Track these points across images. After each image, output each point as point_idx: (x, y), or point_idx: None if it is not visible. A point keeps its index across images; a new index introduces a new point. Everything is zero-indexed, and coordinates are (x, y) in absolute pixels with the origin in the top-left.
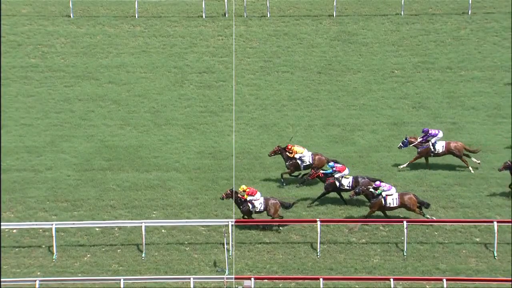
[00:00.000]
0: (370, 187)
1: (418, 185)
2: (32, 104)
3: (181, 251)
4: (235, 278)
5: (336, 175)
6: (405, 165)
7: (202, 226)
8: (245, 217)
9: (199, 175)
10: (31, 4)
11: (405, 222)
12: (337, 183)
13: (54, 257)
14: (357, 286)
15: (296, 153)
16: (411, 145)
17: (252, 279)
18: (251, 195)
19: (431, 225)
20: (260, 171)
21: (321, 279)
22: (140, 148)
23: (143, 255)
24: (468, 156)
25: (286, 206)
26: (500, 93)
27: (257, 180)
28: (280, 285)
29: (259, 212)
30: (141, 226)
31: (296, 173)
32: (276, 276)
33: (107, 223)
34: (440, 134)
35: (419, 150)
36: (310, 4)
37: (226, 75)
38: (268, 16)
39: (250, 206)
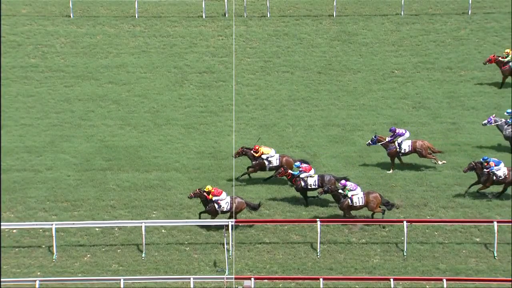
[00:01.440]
0: (339, 188)
1: (418, 185)
2: (32, 104)
3: (181, 251)
4: (235, 278)
5: (302, 175)
6: (391, 171)
7: (202, 226)
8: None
9: (199, 175)
10: (31, 4)
11: (405, 222)
12: (303, 183)
13: (54, 257)
14: (357, 286)
15: (263, 154)
16: (379, 144)
17: (252, 279)
18: (216, 195)
19: (431, 225)
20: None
21: (321, 279)
22: (140, 148)
23: (143, 255)
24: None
25: (253, 207)
26: (500, 93)
27: (257, 180)
28: (280, 285)
29: (226, 212)
30: (141, 226)
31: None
32: (276, 276)
33: (107, 223)
34: (407, 134)
35: (388, 151)
36: (310, 4)
37: (226, 75)
38: (268, 16)
39: (216, 206)
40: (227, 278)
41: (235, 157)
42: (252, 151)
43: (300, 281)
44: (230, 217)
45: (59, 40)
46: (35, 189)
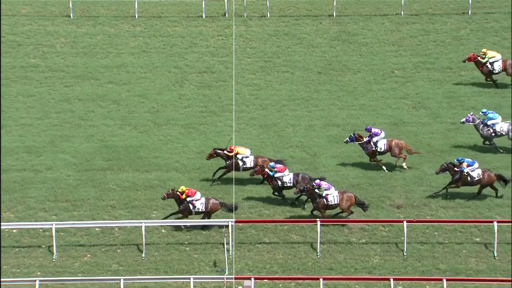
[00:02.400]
0: (315, 188)
1: (418, 185)
2: (32, 104)
3: (181, 251)
4: (235, 278)
5: (276, 175)
6: (385, 170)
7: (202, 226)
8: (183, 217)
9: (199, 175)
10: (31, 4)
11: (405, 222)
12: (279, 182)
13: (54, 257)
14: (357, 286)
15: (238, 153)
16: (357, 142)
17: (252, 279)
18: (190, 195)
19: (431, 225)
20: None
21: (321, 279)
22: (140, 148)
23: (143, 255)
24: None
25: (229, 208)
26: (500, 93)
27: (257, 180)
28: (280, 285)
29: (200, 212)
30: (141, 226)
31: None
32: (276, 276)
33: (107, 223)
34: (382, 134)
35: (365, 151)
36: (310, 4)
37: (226, 75)
38: (268, 16)
39: (191, 206)
40: (227, 278)
41: (207, 159)
42: (225, 152)
43: (300, 281)
44: (204, 218)
45: (59, 40)
46: (35, 189)
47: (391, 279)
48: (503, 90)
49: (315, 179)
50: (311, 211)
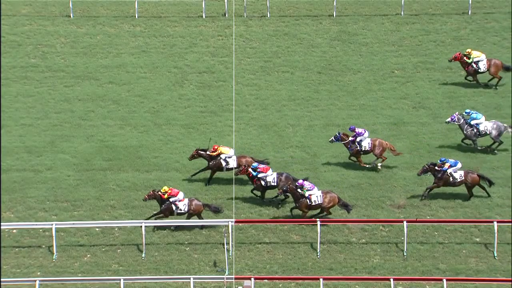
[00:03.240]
0: (298, 188)
1: (418, 185)
2: (32, 104)
3: (181, 251)
4: (235, 278)
5: (260, 175)
6: (369, 165)
7: (202, 226)
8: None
9: (198, 175)
10: (31, 4)
11: (405, 222)
12: (263, 182)
13: (54, 257)
14: (357, 286)
15: (221, 153)
16: (341, 142)
17: (252, 279)
18: (173, 195)
19: (431, 225)
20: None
21: (321, 279)
22: (140, 148)
23: (143, 255)
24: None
25: (213, 209)
26: (500, 93)
27: None
28: (280, 285)
29: (183, 213)
30: (141, 226)
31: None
32: (276, 276)
33: (107, 223)
34: (366, 134)
35: (350, 151)
36: (310, 4)
37: (226, 75)
38: (268, 16)
39: (174, 206)
40: (227, 278)
41: (190, 159)
42: (207, 152)
43: (300, 281)
44: (188, 219)
45: (59, 40)
46: (35, 189)
47: (391, 279)
48: (503, 90)
49: (297, 179)
50: (291, 210)
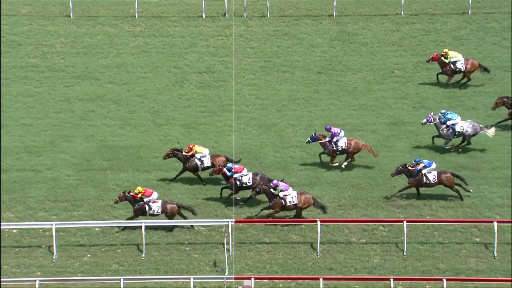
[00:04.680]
0: (270, 187)
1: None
2: (32, 104)
3: (181, 251)
4: (235, 278)
5: (236, 175)
6: (337, 164)
7: (202, 226)
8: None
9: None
10: (31, 4)
11: (405, 222)
12: (238, 182)
13: (54, 257)
14: (357, 286)
15: (196, 153)
16: (317, 142)
17: (252, 279)
18: (147, 195)
19: (431, 225)
20: (260, 171)
21: (321, 279)
22: (140, 148)
23: (143, 255)
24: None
25: (189, 210)
26: (500, 93)
27: None
28: (280, 285)
29: (156, 215)
30: (141, 226)
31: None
32: (276, 276)
33: (107, 223)
34: (342, 133)
35: (326, 151)
36: (310, 4)
37: (226, 75)
38: (268, 16)
39: (147, 207)
40: (227, 278)
41: (164, 158)
42: (183, 153)
43: (300, 281)
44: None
45: (59, 40)
46: (35, 189)
47: (391, 279)
48: (503, 90)
49: (272, 180)
50: (261, 209)
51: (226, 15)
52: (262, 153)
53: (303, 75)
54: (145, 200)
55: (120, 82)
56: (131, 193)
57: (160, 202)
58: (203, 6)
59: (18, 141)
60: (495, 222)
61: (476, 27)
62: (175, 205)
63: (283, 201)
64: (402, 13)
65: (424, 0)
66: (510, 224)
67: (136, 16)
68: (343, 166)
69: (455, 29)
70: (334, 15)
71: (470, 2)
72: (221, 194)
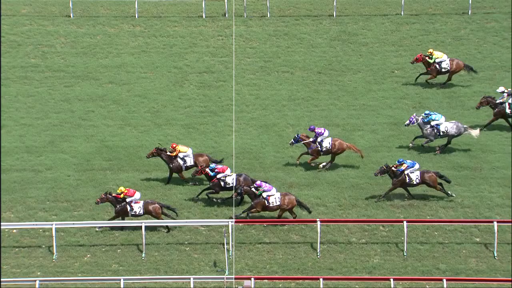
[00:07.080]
0: (252, 187)
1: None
2: (32, 104)
3: (181, 251)
4: (235, 278)
5: (219, 176)
6: (321, 165)
7: (202, 226)
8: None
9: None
10: (31, 4)
11: (405, 222)
12: (222, 183)
13: (54, 257)
14: (357, 286)
15: (179, 152)
16: (301, 142)
17: (252, 279)
18: (129, 196)
19: (431, 225)
20: (260, 171)
21: (321, 279)
22: (140, 148)
23: (143, 255)
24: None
25: (172, 210)
26: (500, 93)
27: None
28: (280, 285)
29: (138, 215)
30: (141, 226)
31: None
32: (276, 276)
33: (107, 223)
34: (326, 133)
35: (309, 150)
36: (310, 4)
37: (226, 75)
38: (268, 16)
39: (128, 207)
40: (227, 278)
41: (148, 157)
42: (168, 153)
43: (300, 281)
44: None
45: (59, 40)
46: (35, 189)
47: (391, 279)
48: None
49: (255, 181)
50: (243, 211)
51: (226, 15)
52: (262, 153)
53: (303, 75)
54: (127, 200)
55: (120, 82)
56: (113, 194)
57: (141, 202)
58: (203, 6)
59: (18, 141)
60: (495, 222)
61: (476, 27)
62: (157, 205)
63: (266, 201)
64: (402, 13)
65: (424, 0)
66: (510, 224)
67: (136, 16)
68: (320, 166)
69: (455, 29)
70: (334, 15)
71: (470, 2)
72: (207, 195)
